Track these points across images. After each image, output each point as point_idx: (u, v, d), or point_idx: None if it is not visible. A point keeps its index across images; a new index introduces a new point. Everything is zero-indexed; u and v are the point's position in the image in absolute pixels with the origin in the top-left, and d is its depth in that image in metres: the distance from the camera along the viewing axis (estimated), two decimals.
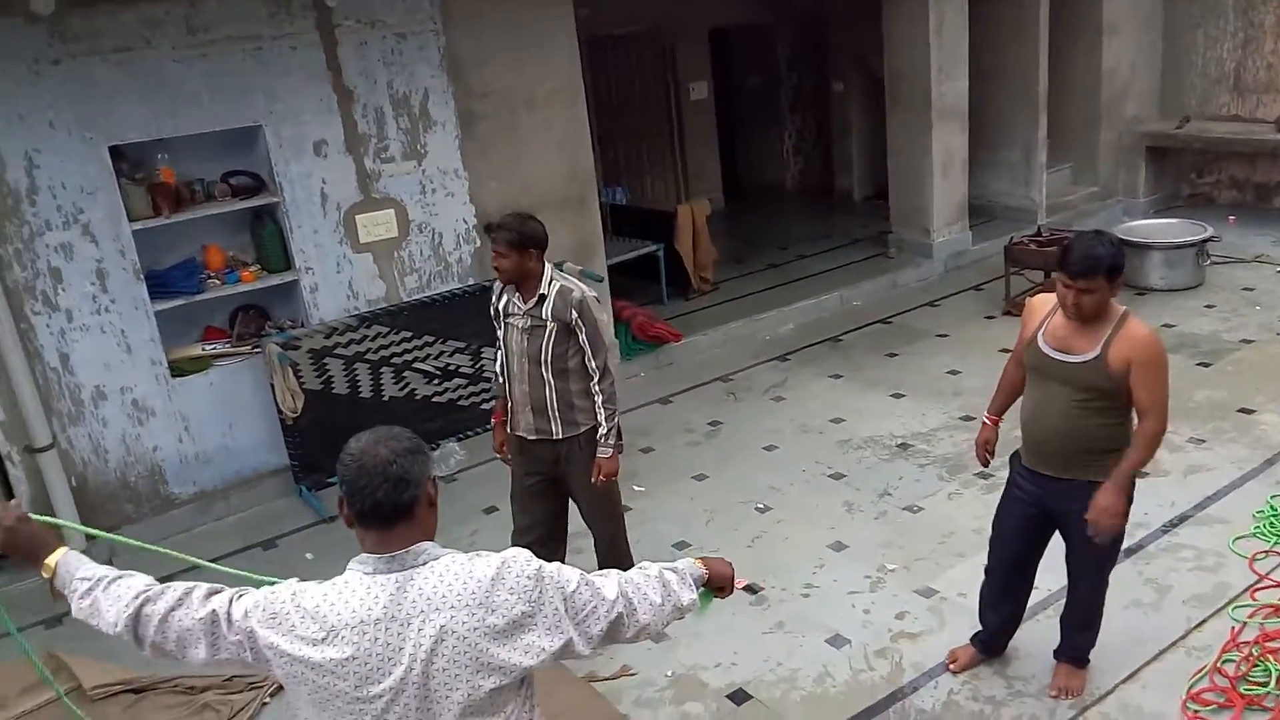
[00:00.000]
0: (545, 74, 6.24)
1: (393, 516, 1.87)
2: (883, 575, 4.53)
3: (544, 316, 3.81)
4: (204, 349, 5.57)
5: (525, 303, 3.83)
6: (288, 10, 5.29)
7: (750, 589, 4.46)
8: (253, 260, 5.68)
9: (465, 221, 6.07)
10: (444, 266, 6.10)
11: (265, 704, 4.03)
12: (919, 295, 8.27)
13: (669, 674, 3.96)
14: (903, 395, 6.41)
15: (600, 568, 4.14)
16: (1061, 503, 3.43)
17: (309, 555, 5.13)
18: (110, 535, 2.57)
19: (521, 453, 4.04)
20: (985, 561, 3.89)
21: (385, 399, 5.86)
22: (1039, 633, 3.94)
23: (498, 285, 3.95)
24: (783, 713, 3.76)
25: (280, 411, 5.48)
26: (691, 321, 7.78)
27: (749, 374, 7.01)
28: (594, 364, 3.87)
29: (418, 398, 6.01)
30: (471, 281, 6.15)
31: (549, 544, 4.10)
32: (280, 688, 4.09)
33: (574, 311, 3.79)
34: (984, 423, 3.76)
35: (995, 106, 9.13)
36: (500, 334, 3.97)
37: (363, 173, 5.70)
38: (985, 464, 3.75)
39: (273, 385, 5.44)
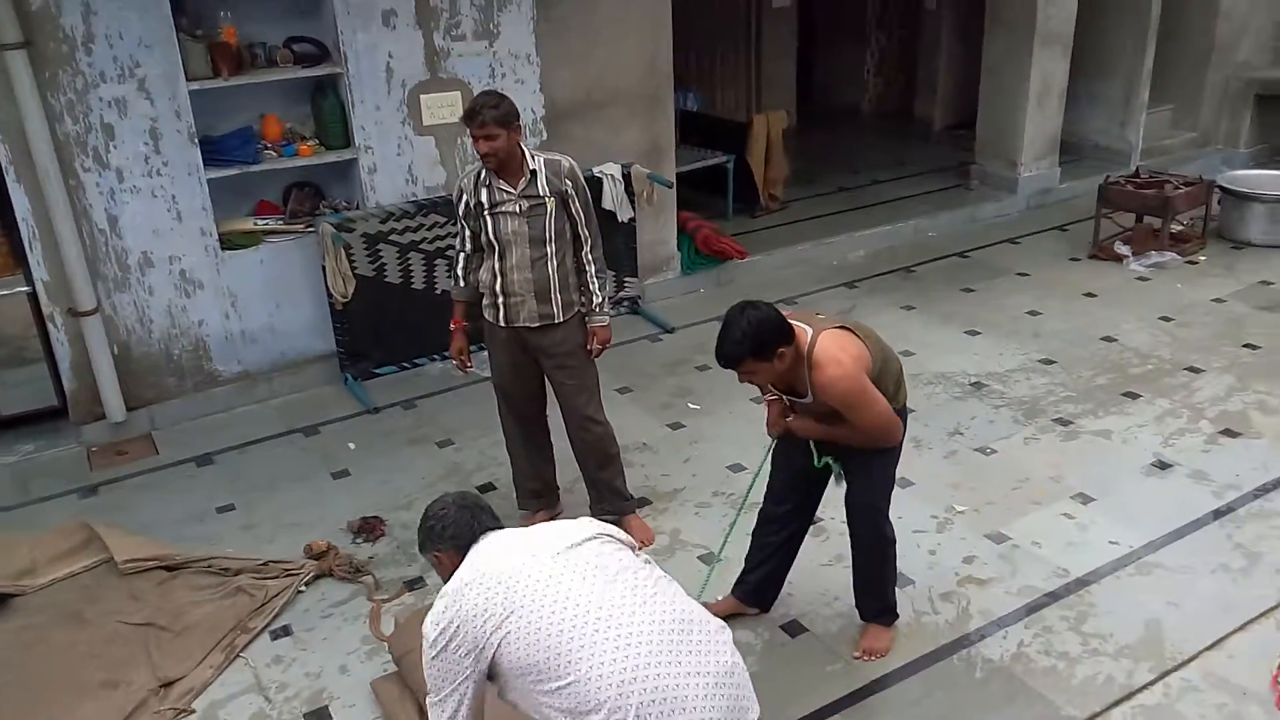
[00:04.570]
0: None
1: None
2: (951, 517, 4.28)
3: (541, 192, 3.69)
4: (256, 223, 5.34)
5: (515, 186, 3.68)
6: None
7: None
8: (311, 134, 5.42)
9: (534, 111, 5.74)
10: None
11: (300, 591, 3.90)
12: (999, 231, 7.82)
13: (718, 598, 3.75)
14: (978, 333, 6.07)
15: (575, 436, 4.11)
16: None
17: (351, 445, 4.95)
18: None
19: (512, 345, 3.92)
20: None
21: (437, 292, 5.62)
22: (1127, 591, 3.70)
23: (466, 183, 3.77)
24: (836, 648, 3.56)
25: (330, 295, 5.28)
26: (757, 240, 7.43)
27: (814, 299, 6.67)
28: (586, 231, 3.82)
29: None
30: None
31: (543, 416, 4.18)
32: (316, 577, 3.99)
33: (567, 181, 3.73)
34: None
35: (1099, 33, 8.46)
36: (486, 230, 3.75)
37: (431, 50, 5.38)
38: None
39: (324, 267, 5.23)
